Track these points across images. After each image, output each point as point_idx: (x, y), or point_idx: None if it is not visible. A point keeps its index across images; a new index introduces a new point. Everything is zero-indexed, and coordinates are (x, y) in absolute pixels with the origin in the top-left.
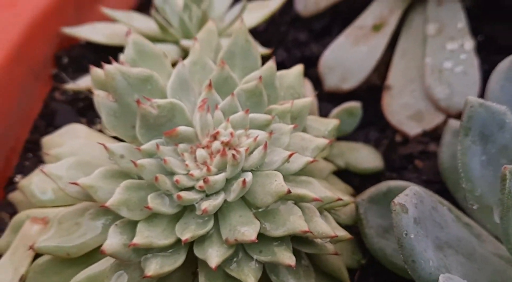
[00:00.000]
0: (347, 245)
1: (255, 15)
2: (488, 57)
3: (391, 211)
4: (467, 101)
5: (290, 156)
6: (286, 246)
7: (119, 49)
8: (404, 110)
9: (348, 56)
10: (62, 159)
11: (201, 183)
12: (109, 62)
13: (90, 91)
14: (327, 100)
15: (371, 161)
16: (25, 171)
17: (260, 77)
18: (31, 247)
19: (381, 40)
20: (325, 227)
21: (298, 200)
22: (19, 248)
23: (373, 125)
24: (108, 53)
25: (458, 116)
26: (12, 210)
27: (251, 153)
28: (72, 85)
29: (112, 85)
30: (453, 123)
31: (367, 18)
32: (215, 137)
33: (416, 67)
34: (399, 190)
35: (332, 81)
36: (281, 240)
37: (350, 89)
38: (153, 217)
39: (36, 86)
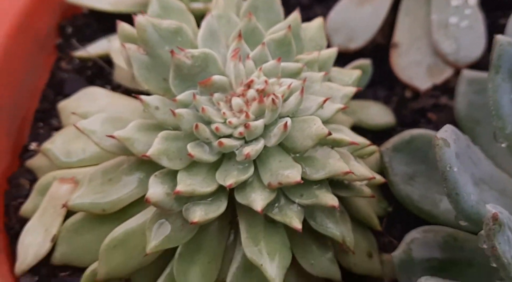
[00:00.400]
0: (373, 193)
1: None
2: (489, 13)
3: (416, 157)
4: (497, 40)
5: (325, 101)
6: (326, 189)
7: (123, 17)
8: (413, 66)
9: (353, 16)
10: (89, 117)
11: (240, 129)
12: (114, 31)
13: (100, 58)
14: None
15: (382, 117)
16: (39, 138)
17: (289, 26)
18: (64, 205)
19: (385, 0)
20: (363, 169)
21: (334, 145)
22: (48, 209)
23: (381, 84)
24: (111, 21)
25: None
26: (32, 177)
27: (285, 100)
28: (82, 52)
29: (144, 37)
30: (467, 73)
31: None
32: (249, 86)
33: (421, 25)
34: (421, 138)
35: (338, 41)
36: (320, 183)
37: (357, 49)
38: (192, 166)
39: (42, 57)
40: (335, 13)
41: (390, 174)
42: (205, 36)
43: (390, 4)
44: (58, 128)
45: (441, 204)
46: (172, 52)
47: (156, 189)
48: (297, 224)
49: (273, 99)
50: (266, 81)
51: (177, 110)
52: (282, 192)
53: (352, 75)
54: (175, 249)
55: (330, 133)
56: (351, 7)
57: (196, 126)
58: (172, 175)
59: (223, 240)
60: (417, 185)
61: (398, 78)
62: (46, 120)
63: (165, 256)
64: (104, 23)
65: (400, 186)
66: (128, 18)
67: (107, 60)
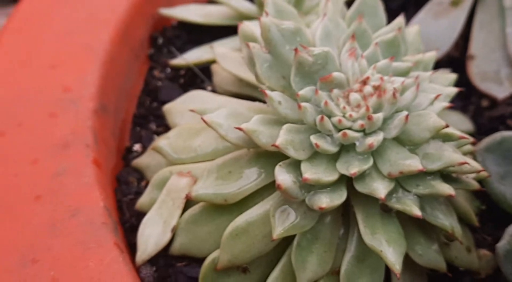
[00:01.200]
0: (465, 192)
1: None
2: None
3: (507, 158)
4: None
5: (436, 97)
6: (440, 180)
7: (211, 29)
8: (490, 76)
9: (430, 29)
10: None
11: (361, 122)
12: (203, 42)
13: (195, 66)
14: None
15: (461, 124)
16: (142, 140)
17: (400, 29)
18: (187, 197)
19: (461, 14)
20: (473, 162)
21: (445, 139)
22: (166, 202)
23: (456, 94)
24: (199, 33)
25: None
26: (138, 175)
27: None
28: (179, 61)
29: (268, 36)
30: None
31: None
32: (365, 82)
33: (495, 38)
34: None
35: None
36: (433, 174)
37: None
38: (313, 157)
39: (137, 65)
40: (413, 25)
41: None
42: (322, 36)
43: (466, 17)
44: (157, 131)
45: None
46: (295, 50)
47: (284, 177)
48: (417, 212)
49: (393, 93)
50: (381, 78)
51: (302, 104)
52: (398, 182)
53: (448, 78)
54: (290, 239)
55: (447, 126)
56: (427, 20)
57: (322, 118)
58: (294, 165)
59: (336, 231)
60: (508, 184)
61: (475, 89)
62: (144, 125)
63: (281, 246)
64: (193, 34)
65: (494, 185)
66: (215, 29)
67: (200, 68)
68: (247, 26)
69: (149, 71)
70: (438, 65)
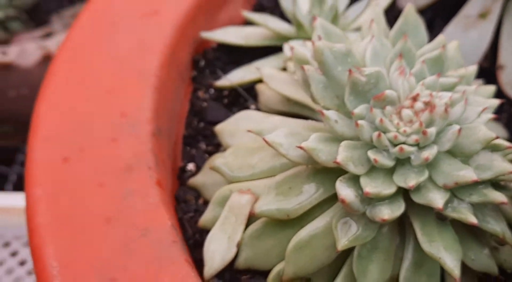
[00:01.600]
0: (509, 197)
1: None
2: None
3: None
4: None
5: (483, 110)
6: (491, 188)
7: (249, 49)
8: None
9: (461, 42)
10: (264, 135)
11: (414, 137)
12: (243, 62)
13: (239, 86)
14: None
15: (496, 132)
16: (195, 160)
17: (443, 46)
18: (251, 213)
19: (489, 25)
20: None
21: (494, 149)
22: (229, 218)
23: None
24: (238, 54)
25: None
26: (195, 193)
27: None
28: (224, 82)
29: (321, 59)
30: None
31: (471, 8)
32: (415, 99)
33: None
34: None
35: None
36: (484, 183)
37: None
38: (370, 171)
39: (183, 87)
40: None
41: None
42: (371, 56)
43: (494, 28)
44: (207, 150)
45: None
46: (350, 71)
47: (346, 192)
48: (473, 220)
49: (445, 108)
50: (431, 94)
51: (359, 122)
52: (452, 192)
53: (488, 90)
54: (350, 250)
55: (497, 137)
56: (457, 32)
57: (379, 135)
58: (353, 179)
59: (393, 240)
60: None
61: (506, 97)
62: (194, 144)
63: (341, 257)
64: (232, 55)
65: None
66: (253, 50)
67: (244, 88)
68: (299, 51)
69: (194, 93)
70: None
